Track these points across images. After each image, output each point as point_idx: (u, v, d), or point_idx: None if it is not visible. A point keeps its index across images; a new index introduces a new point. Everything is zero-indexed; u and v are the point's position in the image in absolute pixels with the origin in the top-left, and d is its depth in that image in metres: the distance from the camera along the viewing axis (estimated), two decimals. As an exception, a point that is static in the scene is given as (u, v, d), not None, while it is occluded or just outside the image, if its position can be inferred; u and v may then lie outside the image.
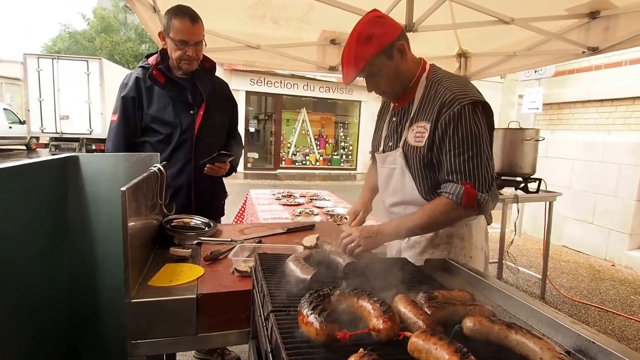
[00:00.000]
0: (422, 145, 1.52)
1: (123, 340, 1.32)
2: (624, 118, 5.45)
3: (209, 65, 2.45)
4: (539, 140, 4.08)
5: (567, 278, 4.88)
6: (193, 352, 2.88)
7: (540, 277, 4.32)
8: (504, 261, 4.16)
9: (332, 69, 4.08)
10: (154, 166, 1.82)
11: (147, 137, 2.31)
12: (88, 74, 12.45)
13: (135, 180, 1.44)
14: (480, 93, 1.51)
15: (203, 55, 2.35)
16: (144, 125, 2.28)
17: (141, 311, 1.31)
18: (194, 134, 2.33)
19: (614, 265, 5.40)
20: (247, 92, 14.13)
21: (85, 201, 1.88)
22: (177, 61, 2.22)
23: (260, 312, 0.95)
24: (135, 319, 1.31)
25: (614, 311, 3.97)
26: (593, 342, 0.88)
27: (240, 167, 14.32)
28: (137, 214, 1.50)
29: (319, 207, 3.62)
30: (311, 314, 0.74)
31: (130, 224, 1.34)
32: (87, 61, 12.63)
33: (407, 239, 1.73)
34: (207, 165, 2.35)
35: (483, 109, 1.48)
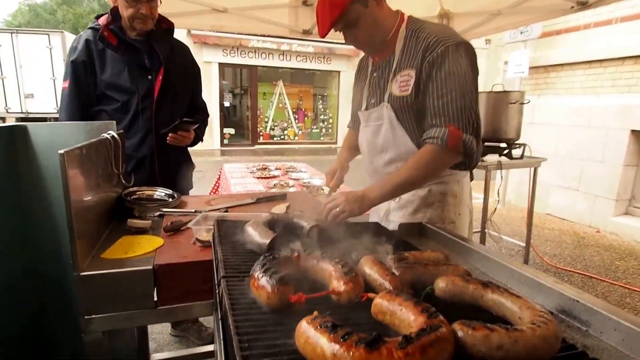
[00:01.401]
0: (408, 94, 1.47)
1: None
2: (613, 80, 5.31)
3: (166, 26, 2.25)
4: (524, 103, 3.95)
5: (551, 246, 4.91)
6: (169, 329, 2.81)
7: (524, 245, 4.32)
8: (486, 230, 4.14)
9: (306, 32, 3.87)
10: (107, 133, 1.67)
11: (102, 106, 2.13)
12: (50, 49, 11.69)
13: (80, 145, 1.30)
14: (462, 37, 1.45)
15: (159, 15, 2.15)
16: (99, 92, 2.10)
17: (93, 285, 1.21)
18: (154, 100, 2.16)
19: (599, 231, 5.42)
20: (219, 64, 13.57)
21: (40, 174, 1.73)
22: (130, 20, 2.03)
23: (215, 279, 0.85)
24: (87, 293, 1.22)
25: (598, 277, 4.00)
26: (577, 301, 0.83)
27: (216, 144, 13.99)
28: (86, 182, 1.37)
29: (294, 179, 3.52)
30: (262, 277, 0.65)
31: (75, 193, 1.21)
32: (48, 34, 11.82)
33: (397, 198, 1.65)
34: (170, 135, 2.20)
35: (467, 51, 1.43)
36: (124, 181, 1.83)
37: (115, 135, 1.68)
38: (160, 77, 2.16)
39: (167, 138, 2.21)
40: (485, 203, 3.92)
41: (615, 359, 0.71)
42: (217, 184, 4.27)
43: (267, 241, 0.90)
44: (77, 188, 1.24)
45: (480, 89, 1.60)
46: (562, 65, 5.98)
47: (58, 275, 1.77)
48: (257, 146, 14.94)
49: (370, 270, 0.76)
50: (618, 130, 5.18)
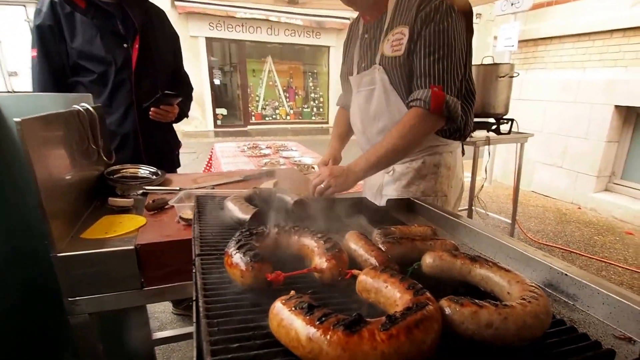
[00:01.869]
0: (401, 54, 1.39)
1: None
2: (600, 54, 5.26)
3: None
4: (513, 76, 3.92)
5: (534, 222, 5.01)
6: (171, 308, 2.83)
7: (510, 221, 4.40)
8: (474, 207, 4.18)
9: (292, 2, 3.74)
10: (80, 105, 1.57)
11: (78, 77, 2.01)
12: (29, 22, 11.24)
13: (42, 114, 1.21)
14: None
15: None
16: (72, 62, 1.97)
17: (73, 266, 1.17)
18: (132, 72, 2.05)
19: (579, 208, 5.54)
20: (207, 38, 13.16)
21: (13, 150, 1.64)
22: None
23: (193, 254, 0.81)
24: (68, 275, 1.18)
25: (577, 252, 4.11)
26: (565, 274, 0.80)
27: (210, 125, 13.76)
28: (58, 157, 1.31)
29: (285, 158, 3.47)
30: (236, 253, 0.61)
31: (43, 168, 1.15)
32: (24, 5, 11.33)
33: (390, 171, 1.61)
34: (152, 109, 2.11)
35: (462, 10, 1.36)
36: (105, 158, 1.76)
37: (90, 108, 1.59)
38: (137, 46, 2.04)
39: (150, 113, 2.12)
40: (473, 180, 3.95)
41: (602, 332, 0.69)
42: (209, 164, 4.21)
43: (248, 217, 0.86)
44: (44, 163, 1.17)
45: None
46: (551, 38, 5.91)
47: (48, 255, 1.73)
48: (249, 127, 14.73)
49: (355, 245, 0.72)
50: (602, 105, 5.17)
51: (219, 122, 14.15)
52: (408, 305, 0.48)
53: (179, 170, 2.71)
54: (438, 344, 0.47)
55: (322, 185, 1.36)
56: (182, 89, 2.33)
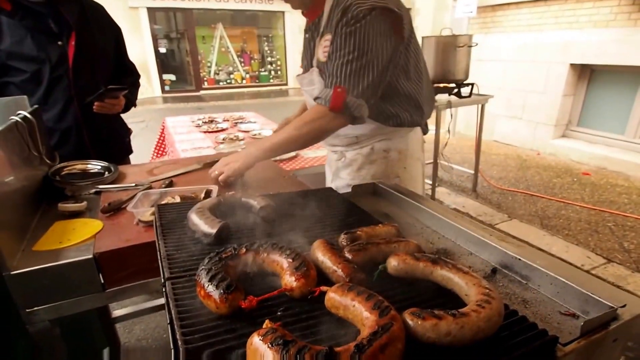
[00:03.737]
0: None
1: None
2: (556, 17, 5.57)
3: None
4: (471, 46, 4.05)
5: (497, 170, 5.29)
6: None
7: (473, 172, 4.64)
8: (439, 161, 4.37)
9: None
10: (17, 114, 1.46)
11: (8, 78, 1.87)
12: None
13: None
14: (394, 1, 1.35)
15: None
16: (0, 63, 1.83)
17: (28, 281, 1.12)
18: (69, 68, 1.93)
19: (539, 154, 5.92)
20: (148, 8, 12.24)
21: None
22: None
23: (161, 277, 0.80)
24: (24, 290, 1.13)
25: (538, 195, 4.41)
26: (519, 259, 0.88)
27: (157, 91, 13.05)
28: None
29: (244, 132, 3.39)
30: (209, 285, 0.62)
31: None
32: None
33: (342, 158, 1.69)
34: (96, 103, 1.99)
35: (383, 17, 1.32)
36: (47, 160, 1.65)
37: (28, 115, 1.48)
38: (73, 43, 1.91)
39: (94, 107, 2.01)
40: (437, 137, 4.12)
41: (551, 310, 0.78)
42: (162, 140, 4.04)
43: (214, 231, 0.85)
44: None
45: (428, 26, 1.56)
46: (508, 4, 6.19)
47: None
48: (202, 92, 14.14)
49: (322, 257, 0.74)
50: (559, 64, 5.56)
51: (167, 88, 13.49)
52: (374, 328, 0.52)
53: (131, 156, 2.60)
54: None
55: (216, 174, 1.53)
56: (128, 79, 2.22)
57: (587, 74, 5.53)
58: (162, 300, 2.31)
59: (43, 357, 1.28)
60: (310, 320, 0.62)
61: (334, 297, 0.62)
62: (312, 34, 1.52)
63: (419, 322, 0.56)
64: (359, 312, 0.58)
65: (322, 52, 1.44)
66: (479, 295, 0.63)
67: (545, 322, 0.74)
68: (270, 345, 0.48)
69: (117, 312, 2.28)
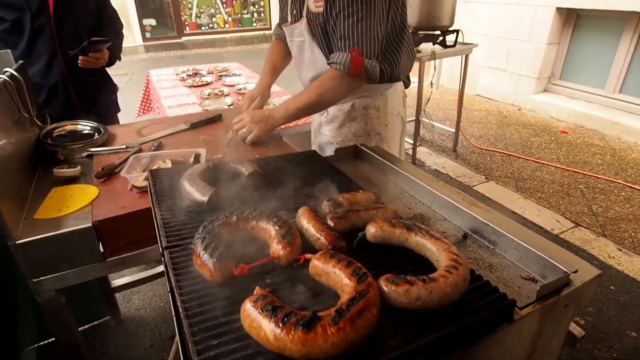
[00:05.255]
0: (322, 11, 1.41)
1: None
2: None
3: None
4: None
5: (477, 127, 5.32)
6: None
7: (454, 130, 4.68)
8: (421, 118, 4.38)
9: None
10: (4, 72, 1.43)
11: None
12: None
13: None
14: None
15: None
16: None
17: (32, 250, 1.16)
18: (50, 16, 1.85)
19: (520, 109, 5.90)
20: (120, -53, 11.30)
21: None
22: None
23: (159, 244, 0.87)
24: (28, 260, 1.18)
25: (515, 154, 4.48)
26: (487, 224, 0.95)
27: (138, 39, 12.43)
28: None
29: (229, 86, 3.36)
30: (204, 254, 0.68)
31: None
32: None
33: (325, 113, 1.73)
34: (81, 57, 1.95)
35: None
36: (38, 122, 1.65)
37: (15, 73, 1.45)
38: None
39: (78, 61, 1.96)
40: (420, 92, 4.07)
41: (513, 274, 0.86)
42: (147, 95, 3.97)
43: (206, 198, 0.91)
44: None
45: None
46: None
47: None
48: (184, 38, 13.51)
49: (307, 225, 0.81)
50: (545, 7, 5.37)
51: (147, 35, 12.84)
52: (352, 294, 0.59)
53: (119, 115, 2.58)
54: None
55: (245, 130, 1.56)
56: (110, 27, 2.14)
57: (573, 19, 5.38)
58: (159, 269, 2.44)
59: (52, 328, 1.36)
60: (296, 287, 0.70)
61: (317, 265, 0.69)
62: None
63: (393, 288, 0.64)
64: (340, 278, 0.65)
65: (313, 1, 1.42)
66: (447, 261, 0.70)
67: (507, 287, 0.82)
68: (261, 311, 0.56)
69: (116, 282, 2.36)
